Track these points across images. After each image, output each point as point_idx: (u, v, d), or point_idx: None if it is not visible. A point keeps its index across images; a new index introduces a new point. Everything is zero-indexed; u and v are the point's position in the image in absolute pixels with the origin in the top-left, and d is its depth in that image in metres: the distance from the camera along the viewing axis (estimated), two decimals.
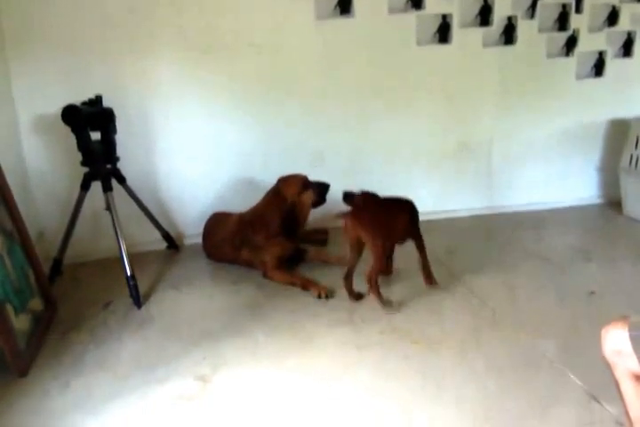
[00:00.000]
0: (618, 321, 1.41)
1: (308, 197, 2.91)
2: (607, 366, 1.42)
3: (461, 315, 2.44)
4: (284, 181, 2.93)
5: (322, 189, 2.94)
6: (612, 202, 3.84)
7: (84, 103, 2.68)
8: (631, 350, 1.33)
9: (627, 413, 1.44)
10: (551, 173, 3.78)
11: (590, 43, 3.54)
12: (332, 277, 2.82)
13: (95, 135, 2.70)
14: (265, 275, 2.85)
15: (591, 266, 2.92)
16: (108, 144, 2.73)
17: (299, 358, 2.15)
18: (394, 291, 2.68)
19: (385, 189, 3.53)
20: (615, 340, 1.38)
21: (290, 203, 2.87)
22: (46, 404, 1.93)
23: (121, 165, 2.84)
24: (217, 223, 3.09)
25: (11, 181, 2.44)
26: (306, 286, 2.71)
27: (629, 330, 1.35)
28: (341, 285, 2.65)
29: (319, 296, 2.62)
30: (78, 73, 2.90)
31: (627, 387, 1.40)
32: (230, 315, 2.51)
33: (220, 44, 3.06)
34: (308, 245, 3.13)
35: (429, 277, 2.69)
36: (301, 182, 2.91)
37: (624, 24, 3.56)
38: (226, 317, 2.49)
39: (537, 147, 3.69)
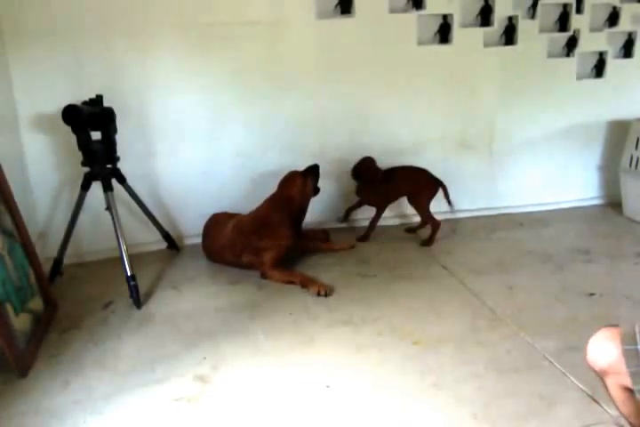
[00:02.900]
0: (608, 332, 1.34)
1: (309, 187, 3.00)
2: (592, 371, 1.39)
3: (461, 314, 2.44)
4: (286, 183, 2.97)
5: (315, 171, 3.04)
6: (613, 202, 3.84)
7: (84, 103, 2.68)
8: (624, 369, 1.26)
9: (619, 410, 1.44)
10: (551, 174, 3.78)
11: (591, 43, 3.54)
12: (331, 277, 2.82)
13: (95, 135, 2.70)
14: (263, 275, 2.85)
15: (591, 266, 2.92)
16: (109, 144, 2.73)
17: (299, 358, 2.15)
18: (393, 290, 2.68)
19: None
20: (608, 357, 1.31)
21: (299, 200, 2.93)
22: (46, 403, 1.93)
23: (121, 165, 2.84)
24: (216, 226, 3.08)
25: (11, 180, 2.44)
26: (305, 283, 2.71)
27: (622, 344, 1.28)
28: (342, 284, 2.66)
29: (318, 294, 2.63)
30: (78, 72, 2.89)
31: (616, 394, 1.37)
32: (230, 315, 2.51)
33: (221, 41, 3.05)
34: (309, 243, 3.17)
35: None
36: (300, 178, 2.97)
37: (625, 25, 3.56)
38: (226, 317, 2.49)
39: (537, 147, 3.69)
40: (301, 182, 2.97)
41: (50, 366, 2.14)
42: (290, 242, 2.89)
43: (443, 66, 3.39)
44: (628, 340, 1.28)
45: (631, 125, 3.55)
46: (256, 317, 2.48)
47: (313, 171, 3.04)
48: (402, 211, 3.57)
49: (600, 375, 1.37)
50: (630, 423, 1.46)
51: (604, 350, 1.32)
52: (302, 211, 3.00)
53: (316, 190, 3.08)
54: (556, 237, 3.37)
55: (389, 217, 3.29)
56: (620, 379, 1.31)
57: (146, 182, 3.16)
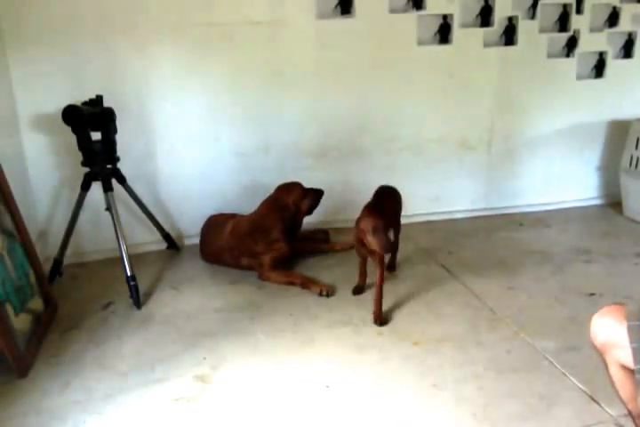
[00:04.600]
0: (612, 308, 1.36)
1: (306, 203, 2.96)
2: (594, 349, 1.40)
3: (461, 315, 2.44)
4: (285, 189, 2.95)
5: (318, 195, 3.00)
6: (613, 202, 3.83)
7: (84, 103, 2.67)
8: (625, 343, 1.28)
9: (617, 393, 1.44)
10: (551, 174, 3.78)
11: (591, 43, 3.54)
12: (332, 278, 2.83)
13: (96, 135, 2.70)
14: (261, 277, 2.85)
15: (591, 266, 2.92)
16: (109, 144, 2.73)
17: (299, 359, 2.15)
18: (393, 291, 2.68)
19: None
20: (608, 330, 1.34)
21: (292, 210, 2.91)
22: (46, 404, 1.93)
23: (121, 166, 2.83)
24: (213, 229, 3.07)
25: (11, 180, 2.44)
26: (306, 284, 2.72)
27: (628, 320, 1.30)
28: (342, 285, 2.67)
29: (321, 293, 2.63)
30: (78, 72, 2.89)
31: (615, 373, 1.39)
32: (230, 315, 2.51)
33: (220, 41, 3.05)
34: (310, 244, 3.18)
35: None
36: (301, 190, 2.95)
37: (625, 25, 3.55)
38: (226, 317, 2.50)
39: (537, 147, 3.69)
40: (300, 194, 2.94)
41: (50, 367, 2.14)
42: (283, 246, 2.88)
43: (443, 66, 3.38)
44: (632, 316, 1.30)
45: (631, 125, 3.55)
46: (256, 317, 2.48)
47: (316, 192, 3.00)
48: None
49: (601, 353, 1.38)
50: (629, 411, 1.46)
51: (606, 324, 1.35)
52: (294, 222, 2.96)
53: (312, 209, 3.01)
54: (556, 237, 3.37)
55: None
56: (619, 356, 1.32)
57: (146, 182, 3.16)
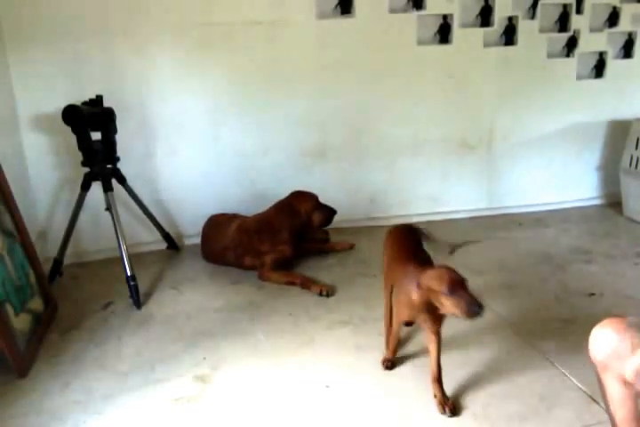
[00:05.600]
0: (612, 320, 1.33)
1: (318, 216, 2.95)
2: (593, 367, 1.37)
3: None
4: (299, 196, 2.95)
5: (330, 213, 2.98)
6: (613, 202, 3.83)
7: (84, 103, 2.68)
8: (628, 353, 1.25)
9: (611, 415, 1.38)
10: (551, 174, 3.78)
11: (591, 43, 3.54)
12: (332, 278, 2.83)
13: (96, 135, 2.70)
14: (261, 277, 2.86)
15: (591, 266, 2.92)
16: (109, 144, 2.73)
17: (298, 359, 2.15)
18: None
19: (384, 190, 3.55)
20: (611, 342, 1.30)
21: (303, 218, 2.91)
22: (46, 404, 1.93)
23: (121, 165, 2.84)
24: (216, 228, 3.07)
25: (11, 180, 2.44)
26: (306, 284, 2.72)
27: (630, 325, 1.28)
28: (342, 285, 2.66)
29: (320, 293, 2.63)
30: (78, 72, 2.89)
31: (614, 391, 1.34)
32: (230, 315, 2.51)
33: (221, 41, 3.05)
34: (310, 244, 3.16)
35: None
36: (316, 201, 2.95)
37: (625, 25, 3.56)
38: (226, 317, 2.49)
39: (537, 147, 3.69)
40: (313, 205, 2.93)
41: (50, 367, 2.14)
42: (287, 249, 2.89)
43: (443, 66, 3.39)
44: (636, 326, 1.28)
45: (631, 125, 3.55)
46: (256, 317, 2.48)
47: (329, 209, 2.97)
48: (396, 211, 3.57)
49: (599, 371, 1.36)
50: None
51: (607, 336, 1.31)
52: (303, 230, 2.97)
53: (323, 225, 2.99)
54: (556, 237, 3.37)
55: (387, 217, 3.28)
56: (622, 368, 1.28)
57: (146, 182, 3.16)
